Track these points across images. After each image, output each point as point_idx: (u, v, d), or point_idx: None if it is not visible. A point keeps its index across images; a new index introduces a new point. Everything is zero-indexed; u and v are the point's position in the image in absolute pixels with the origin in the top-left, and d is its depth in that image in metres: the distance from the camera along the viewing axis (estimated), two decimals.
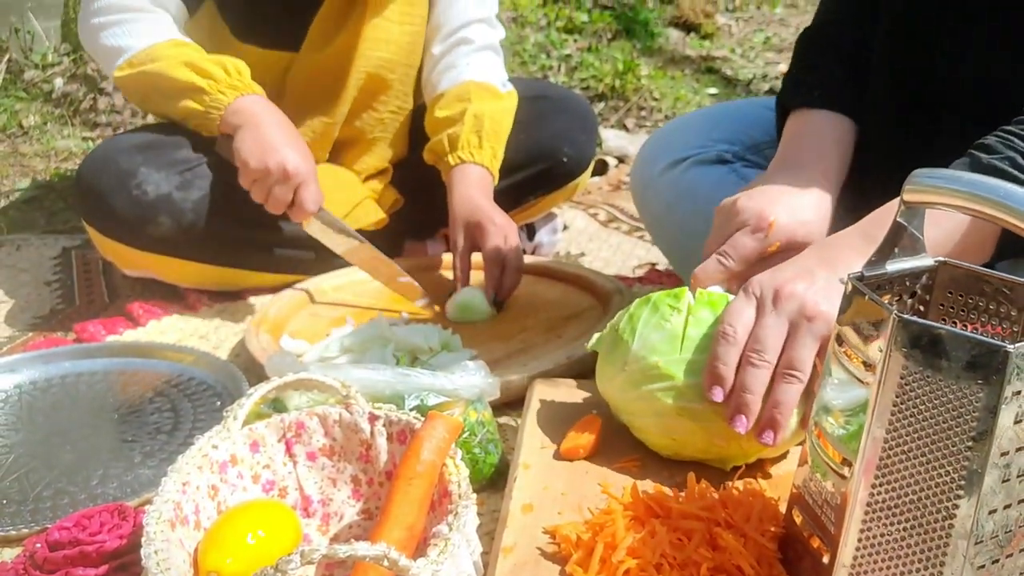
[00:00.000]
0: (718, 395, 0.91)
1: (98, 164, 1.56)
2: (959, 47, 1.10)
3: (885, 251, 0.75)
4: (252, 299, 1.66)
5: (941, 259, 0.78)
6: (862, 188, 1.15)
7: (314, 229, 1.54)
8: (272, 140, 1.47)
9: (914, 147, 1.10)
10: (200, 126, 1.55)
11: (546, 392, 1.14)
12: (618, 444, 1.01)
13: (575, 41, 3.66)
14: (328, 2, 1.63)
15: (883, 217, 0.94)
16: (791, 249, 1.04)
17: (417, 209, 1.81)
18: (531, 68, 3.40)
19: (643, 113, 3.06)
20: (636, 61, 3.37)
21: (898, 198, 0.94)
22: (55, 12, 3.25)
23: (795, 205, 1.06)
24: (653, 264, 1.88)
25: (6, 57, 2.92)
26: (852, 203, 1.12)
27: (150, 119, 2.63)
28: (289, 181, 1.47)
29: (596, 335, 1.07)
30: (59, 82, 2.84)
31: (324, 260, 1.66)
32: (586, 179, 1.89)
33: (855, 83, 1.20)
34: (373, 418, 0.94)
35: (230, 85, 1.51)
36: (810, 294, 0.89)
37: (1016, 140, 0.92)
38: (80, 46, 2.99)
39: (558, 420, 1.06)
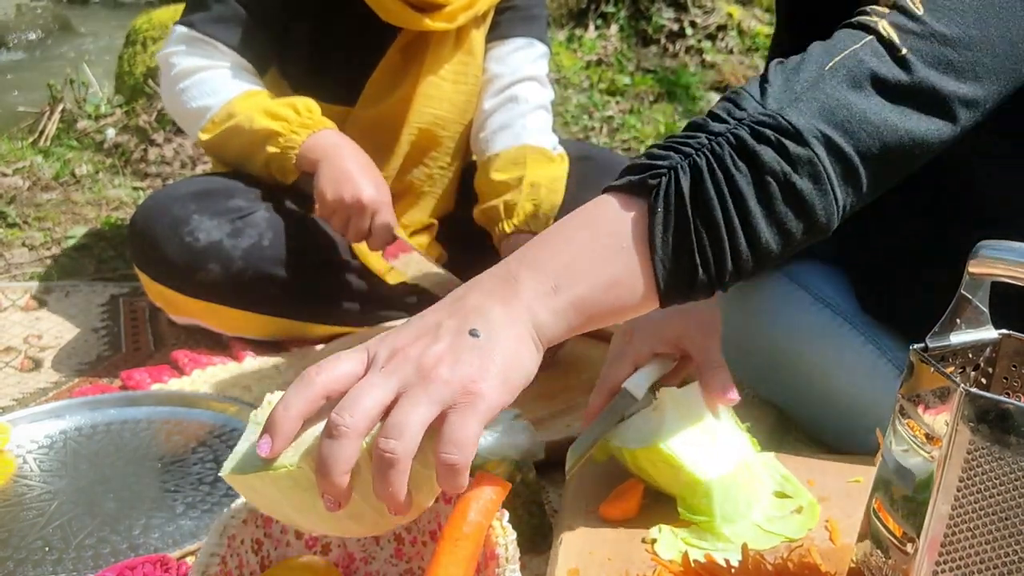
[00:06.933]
0: (264, 447, 0.69)
1: (152, 211, 1.59)
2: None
3: (948, 323, 0.74)
4: (295, 350, 1.67)
5: (1005, 331, 0.77)
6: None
7: (401, 267, 1.58)
8: (347, 171, 1.50)
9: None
10: (280, 171, 1.58)
11: None
12: (662, 508, 1.00)
13: (617, 103, 3.69)
14: (386, 59, 1.66)
15: (526, 252, 0.78)
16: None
17: (461, 264, 1.81)
18: (573, 129, 3.42)
19: None
20: (677, 124, 3.39)
21: None
22: (109, 63, 3.34)
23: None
24: None
25: (60, 107, 2.99)
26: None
27: (199, 170, 2.69)
28: (365, 211, 1.50)
29: None
30: (111, 132, 2.90)
31: (370, 312, 1.66)
32: None
33: None
34: None
35: (302, 124, 1.54)
36: (430, 355, 0.70)
37: None
38: (132, 98, 3.06)
39: (602, 482, 1.04)
